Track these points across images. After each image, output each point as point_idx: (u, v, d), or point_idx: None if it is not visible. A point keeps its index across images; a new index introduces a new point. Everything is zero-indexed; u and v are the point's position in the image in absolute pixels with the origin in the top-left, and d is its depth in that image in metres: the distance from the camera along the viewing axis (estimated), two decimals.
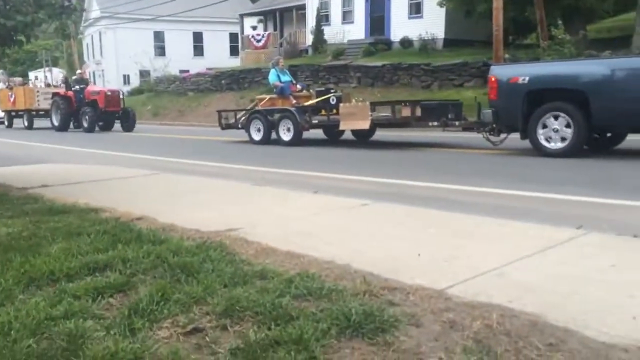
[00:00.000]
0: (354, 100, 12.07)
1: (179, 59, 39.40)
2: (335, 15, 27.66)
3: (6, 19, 5.33)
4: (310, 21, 28.22)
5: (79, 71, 23.24)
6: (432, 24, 23.48)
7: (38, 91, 23.58)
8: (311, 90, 13.94)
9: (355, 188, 6.23)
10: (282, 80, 13.00)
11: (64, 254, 3.19)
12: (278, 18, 33.08)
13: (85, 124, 19.47)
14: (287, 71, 13.74)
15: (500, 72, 9.24)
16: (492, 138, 9.21)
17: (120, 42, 39.71)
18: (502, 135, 9.17)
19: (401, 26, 24.91)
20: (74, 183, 6.49)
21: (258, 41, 32.77)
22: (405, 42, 24.19)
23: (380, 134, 12.83)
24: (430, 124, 10.29)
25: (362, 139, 12.32)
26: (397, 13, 25.29)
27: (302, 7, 29.65)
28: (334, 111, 11.51)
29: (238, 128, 13.36)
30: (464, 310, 2.41)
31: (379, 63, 21.58)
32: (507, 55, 17.19)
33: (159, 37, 41.70)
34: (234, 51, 40.74)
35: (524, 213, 4.57)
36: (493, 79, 9.04)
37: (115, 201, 5.08)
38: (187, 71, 34.40)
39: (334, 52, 24.98)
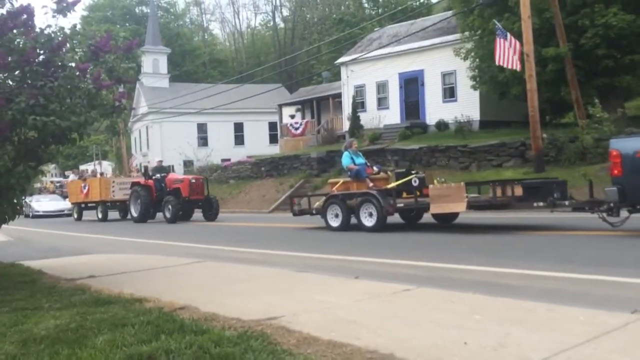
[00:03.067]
0: (435, 181, 11.20)
1: (221, 148, 40.86)
2: (371, 101, 28.49)
3: (62, 119, 5.69)
4: (347, 108, 29.10)
5: (158, 159, 22.32)
6: (467, 106, 23.85)
7: (114, 181, 22.70)
8: (389, 172, 13.15)
9: (399, 273, 6.15)
10: (356, 162, 12.37)
11: (109, 346, 3.22)
12: (315, 106, 34.27)
13: (167, 214, 18.02)
14: (360, 153, 13.08)
15: (623, 145, 8.22)
16: (611, 219, 8.33)
17: (165, 135, 41.62)
18: (623, 215, 8.24)
19: (436, 110, 25.39)
20: (119, 273, 6.64)
21: (296, 129, 33.80)
22: (441, 125, 24.54)
23: (473, 216, 12.08)
24: (535, 204, 9.38)
25: (444, 222, 11.46)
26: (432, 98, 25.86)
27: (338, 96, 30.71)
28: (418, 193, 10.79)
29: (312, 214, 12.62)
30: None
31: (415, 146, 21.85)
32: (544, 135, 17.19)
33: (202, 128, 43.56)
34: (273, 139, 42.03)
35: (572, 297, 4.40)
36: (615, 154, 8.12)
37: (159, 291, 5.15)
38: (229, 160, 35.50)
39: (371, 136, 25.48)
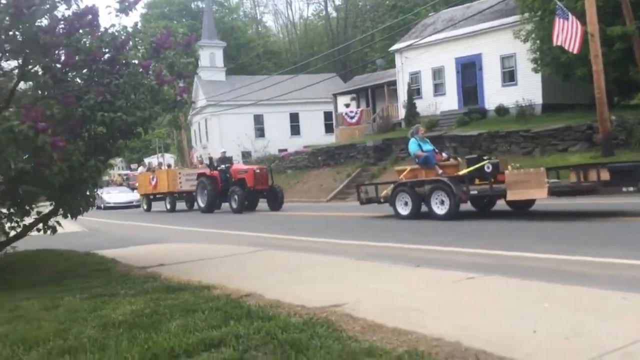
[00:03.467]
0: (510, 167, 10.60)
1: (278, 138, 41.34)
2: (427, 88, 28.04)
3: (128, 115, 5.94)
4: (402, 95, 28.76)
5: (222, 150, 22.24)
6: (528, 90, 23.07)
7: (180, 173, 23.10)
8: (459, 159, 12.83)
9: (463, 261, 6.07)
10: (424, 149, 12.02)
11: (182, 331, 3.36)
12: (370, 95, 34.05)
13: (234, 204, 18.14)
14: (427, 139, 12.69)
15: None
16: None
17: (224, 127, 42.49)
18: None
19: (495, 94, 24.70)
20: (187, 261, 6.88)
21: (351, 118, 33.72)
22: (501, 110, 23.86)
23: (552, 203, 11.34)
24: (624, 189, 8.78)
25: (519, 209, 10.96)
26: (490, 82, 25.17)
27: (393, 83, 30.39)
28: (492, 179, 10.37)
29: (380, 202, 12.46)
30: None
31: (474, 132, 21.36)
32: (613, 117, 16.42)
33: (258, 120, 44.18)
34: (328, 128, 42.12)
35: None
36: None
37: (225, 278, 5.31)
38: (285, 150, 35.89)
39: (427, 123, 25.06)
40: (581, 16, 15.64)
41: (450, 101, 26.59)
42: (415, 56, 27.89)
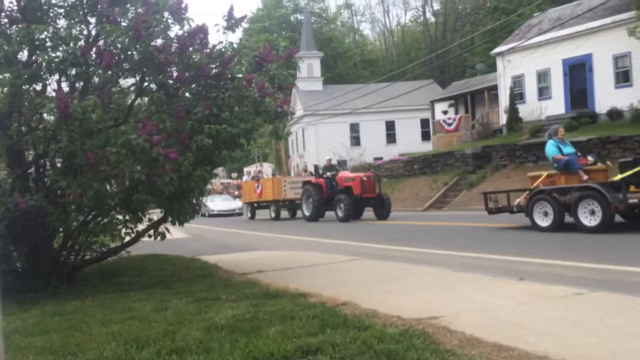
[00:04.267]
0: None
1: (373, 147, 41.32)
2: (531, 92, 26.78)
3: (232, 127, 6.21)
4: (504, 100, 27.68)
5: (327, 157, 21.59)
6: None
7: (285, 181, 22.83)
8: (608, 163, 11.41)
9: (567, 275, 5.75)
10: (564, 152, 10.81)
11: (280, 337, 3.47)
12: (469, 100, 33.10)
13: (339, 213, 17.70)
14: (568, 141, 11.37)
15: None
16: None
17: (320, 136, 43.20)
18: None
19: (607, 97, 23.08)
20: (285, 269, 7.06)
21: (449, 125, 32.97)
22: (614, 114, 22.27)
23: None
24: None
25: (635, 220, 9.84)
26: (602, 84, 23.57)
27: (494, 88, 29.34)
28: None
29: (512, 212, 11.36)
30: None
31: (583, 138, 20.07)
32: None
33: (354, 128, 44.45)
34: (425, 136, 41.49)
35: None
36: None
37: (321, 286, 5.39)
38: (381, 158, 35.77)
39: (531, 129, 23.95)
40: None
41: (556, 105, 25.22)
42: (519, 59, 26.77)
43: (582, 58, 24.22)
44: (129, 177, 5.80)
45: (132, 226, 6.50)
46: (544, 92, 26.24)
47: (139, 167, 5.78)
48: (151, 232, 6.80)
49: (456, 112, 34.31)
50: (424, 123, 42.10)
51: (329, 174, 19.29)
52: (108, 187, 6.06)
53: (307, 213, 19.39)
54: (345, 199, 17.61)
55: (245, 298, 4.86)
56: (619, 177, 9.87)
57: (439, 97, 36.96)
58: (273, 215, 22.54)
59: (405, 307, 4.28)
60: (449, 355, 3.02)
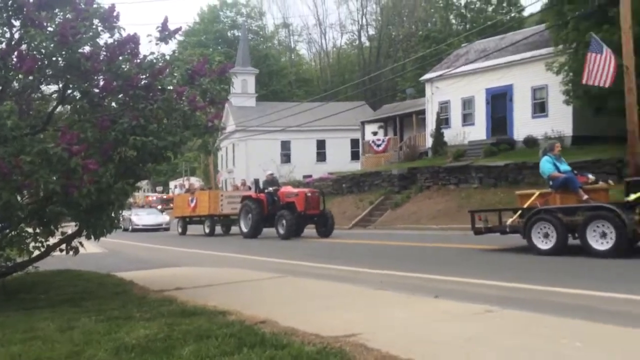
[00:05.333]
0: None
1: (303, 164, 41.53)
2: (455, 118, 27.94)
3: (159, 139, 6.06)
4: (430, 125, 28.70)
5: (269, 172, 20.37)
6: (559, 121, 22.74)
7: (222, 195, 21.88)
8: (610, 182, 10.85)
9: (480, 293, 5.96)
10: (560, 170, 10.06)
11: (194, 357, 3.37)
12: (398, 123, 34.06)
13: (281, 230, 16.91)
14: (563, 159, 10.59)
15: None
16: None
17: (250, 152, 43.00)
18: None
19: (525, 125, 24.44)
20: (205, 286, 6.91)
21: (378, 146, 33.76)
22: (530, 141, 23.57)
23: None
24: None
25: None
26: (520, 113, 24.95)
27: (422, 112, 30.38)
28: None
29: (505, 233, 10.44)
30: None
31: (501, 163, 21.12)
32: None
33: (285, 145, 44.58)
34: (354, 156, 42.22)
35: None
36: None
37: (241, 304, 5.31)
38: (310, 176, 36.00)
39: (454, 153, 24.95)
40: (617, 49, 15.45)
41: (478, 131, 26.41)
42: (446, 86, 27.90)
43: (504, 88, 25.57)
44: (43, 187, 5.52)
45: (43, 240, 6.16)
46: (467, 119, 27.42)
47: (54, 178, 5.52)
48: (63, 246, 6.47)
49: (385, 134, 35.19)
50: (354, 143, 42.86)
51: (270, 189, 18.49)
52: (19, 198, 5.74)
53: (244, 229, 18.57)
54: (288, 215, 16.89)
55: (160, 316, 4.70)
56: (634, 196, 8.80)
57: (370, 118, 37.81)
58: (207, 230, 21.66)
59: (324, 325, 4.29)
60: None
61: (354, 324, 4.31)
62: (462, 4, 53.19)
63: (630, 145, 15.46)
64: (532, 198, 10.29)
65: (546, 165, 10.17)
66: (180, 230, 23.55)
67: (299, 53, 76.40)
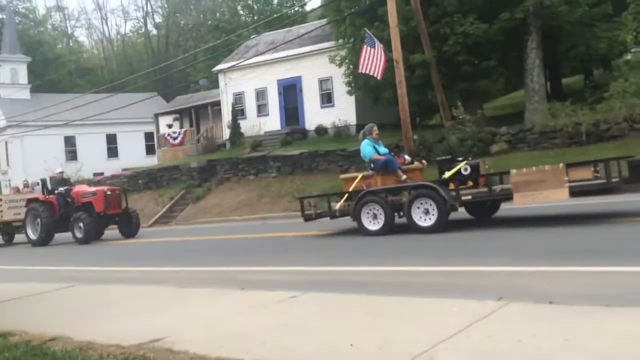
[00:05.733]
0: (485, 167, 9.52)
1: (93, 161, 38.39)
2: (251, 109, 28.42)
3: None
4: (226, 116, 28.75)
5: (59, 170, 18.25)
6: (344, 111, 24.65)
7: (1, 199, 18.96)
8: (424, 162, 11.18)
9: (287, 280, 6.15)
10: (380, 152, 10.38)
11: None
12: (193, 115, 33.43)
13: (78, 234, 15.39)
14: (381, 142, 10.91)
15: None
16: None
17: (27, 150, 38.41)
18: None
19: (315, 115, 25.93)
20: None
21: (174, 139, 32.80)
22: (320, 130, 25.12)
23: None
24: None
25: (483, 217, 9.86)
26: (310, 104, 26.37)
27: (217, 104, 30.26)
28: (470, 183, 9.29)
29: (335, 217, 10.52)
30: None
31: (296, 152, 22.13)
32: (415, 137, 18.20)
33: (69, 141, 40.78)
34: (150, 150, 40.41)
35: (444, 289, 4.68)
36: None
37: (27, 322, 4.71)
38: (102, 174, 33.56)
39: (252, 144, 25.43)
40: (388, 44, 17.17)
41: (273, 122, 27.26)
42: (239, 77, 28.16)
43: (294, 80, 26.74)
44: None
45: None
46: (262, 110, 28.10)
47: None
48: None
49: (181, 126, 34.32)
50: (149, 137, 41.01)
51: (61, 189, 16.65)
52: None
53: (33, 236, 16.46)
54: (86, 217, 15.40)
55: None
56: (449, 174, 9.52)
57: (164, 110, 36.46)
58: None
59: (126, 333, 4.02)
60: None
61: (158, 327, 4.12)
62: None
63: (403, 132, 17.36)
64: (356, 181, 10.46)
65: (367, 148, 10.39)
66: None
67: (77, 40, 70.31)
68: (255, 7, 52.75)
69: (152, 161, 35.14)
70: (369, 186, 10.03)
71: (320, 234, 10.77)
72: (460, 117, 17.44)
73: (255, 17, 50.80)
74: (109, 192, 16.45)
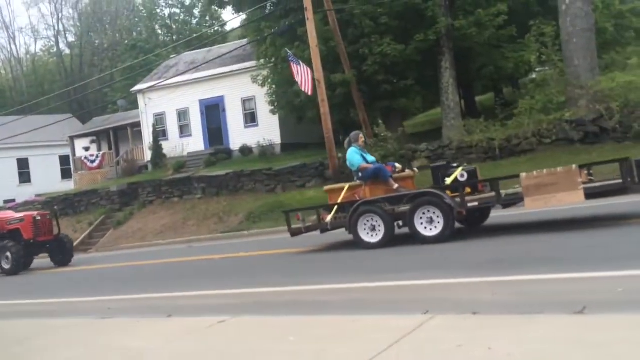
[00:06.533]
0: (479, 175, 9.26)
1: (3, 187, 36.06)
2: (172, 129, 27.80)
3: None
4: (147, 137, 27.95)
5: None
6: (268, 130, 24.65)
7: None
8: (414, 169, 10.58)
9: (217, 304, 6.01)
10: (368, 160, 9.76)
11: None
12: (112, 137, 32.26)
13: (5, 264, 14.23)
14: (366, 150, 10.40)
15: None
16: None
17: None
18: None
19: (239, 135, 25.75)
20: None
21: (92, 162, 31.48)
22: (245, 150, 24.96)
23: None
24: None
25: (474, 226, 9.40)
26: (234, 124, 26.17)
27: (138, 125, 29.37)
28: (468, 190, 8.67)
29: (326, 230, 9.65)
30: None
31: (222, 172, 21.85)
32: (340, 155, 18.50)
33: None
34: (66, 174, 38.45)
35: (375, 305, 4.76)
36: None
37: None
38: (14, 200, 31.61)
39: (175, 165, 24.85)
40: (309, 64, 17.42)
41: (196, 142, 26.81)
42: (159, 97, 27.53)
43: (216, 100, 26.49)
44: None
45: None
46: (185, 130, 27.58)
47: None
48: None
49: (99, 149, 33.02)
50: (64, 160, 39.06)
51: None
52: None
53: None
54: (13, 246, 14.29)
55: None
56: (449, 180, 8.96)
57: (79, 132, 34.97)
58: None
59: None
60: None
61: None
62: (167, 15, 53.34)
63: (328, 150, 17.61)
64: (344, 192, 9.74)
65: (355, 157, 9.73)
66: None
67: None
68: (174, 27, 51.96)
69: (69, 186, 33.48)
70: (359, 196, 9.42)
71: (245, 255, 10.66)
72: (382, 134, 17.91)
73: (174, 37, 50.03)
74: (38, 217, 15.31)
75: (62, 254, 15.34)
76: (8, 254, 14.24)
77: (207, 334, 4.40)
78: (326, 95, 17.36)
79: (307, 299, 5.66)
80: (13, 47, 69.01)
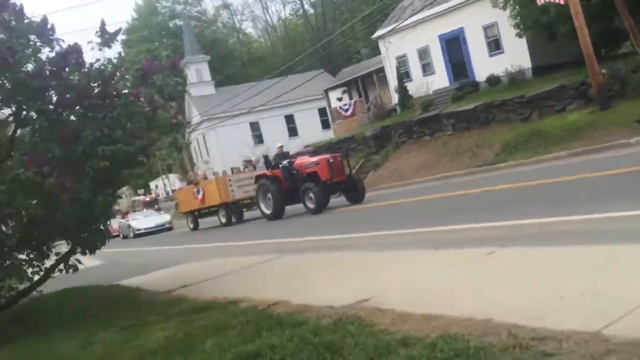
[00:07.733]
0: None
1: (276, 142, 41.15)
2: (415, 69, 27.98)
3: (127, 145, 5.97)
4: (392, 81, 28.72)
5: (279, 144, 18.82)
6: (516, 56, 22.95)
7: (230, 180, 19.57)
8: None
9: (480, 237, 6.03)
10: None
11: (217, 349, 3.41)
12: (360, 85, 34.03)
13: (309, 204, 15.06)
14: None
15: None
16: None
17: (221, 139, 42.53)
18: None
19: (484, 65, 24.61)
20: (207, 279, 6.92)
21: (346, 110, 33.73)
22: (492, 80, 23.80)
23: None
24: None
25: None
26: (476, 54, 25.08)
27: (382, 70, 30.34)
28: None
29: None
30: (628, 350, 2.26)
31: (470, 106, 21.34)
32: (603, 70, 16.37)
33: (254, 127, 44.13)
34: (325, 124, 42.06)
35: None
36: None
37: (248, 290, 5.35)
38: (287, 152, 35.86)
39: (422, 104, 25.09)
40: None
41: (440, 79, 26.53)
42: (399, 40, 27.84)
43: (455, 32, 25.62)
44: (25, 214, 5.44)
45: (39, 264, 6.10)
46: (427, 68, 27.49)
47: (32, 202, 5.43)
48: (61, 266, 6.41)
49: (350, 98, 35.13)
50: (322, 112, 42.69)
51: (284, 162, 16.61)
52: (3, 228, 5.66)
53: (267, 211, 16.51)
54: (314, 187, 14.95)
55: (174, 316, 4.72)
56: None
57: (332, 85, 37.66)
58: (223, 220, 19.72)
59: (335, 296, 4.33)
60: (384, 335, 3.10)
61: (364, 289, 4.37)
62: None
63: (589, 67, 15.76)
64: None
65: None
66: (191, 226, 21.73)
67: (245, 32, 75.21)
68: None
69: (329, 135, 36.57)
70: None
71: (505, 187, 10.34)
72: None
73: None
74: (331, 160, 15.82)
75: (354, 192, 15.80)
76: (311, 194, 15.00)
77: (478, 265, 4.49)
78: (580, 7, 15.41)
79: (583, 230, 5.28)
80: (267, 16, 77.03)
